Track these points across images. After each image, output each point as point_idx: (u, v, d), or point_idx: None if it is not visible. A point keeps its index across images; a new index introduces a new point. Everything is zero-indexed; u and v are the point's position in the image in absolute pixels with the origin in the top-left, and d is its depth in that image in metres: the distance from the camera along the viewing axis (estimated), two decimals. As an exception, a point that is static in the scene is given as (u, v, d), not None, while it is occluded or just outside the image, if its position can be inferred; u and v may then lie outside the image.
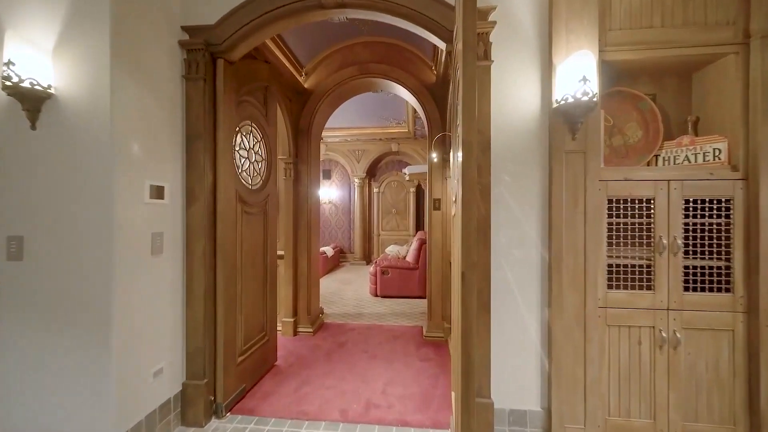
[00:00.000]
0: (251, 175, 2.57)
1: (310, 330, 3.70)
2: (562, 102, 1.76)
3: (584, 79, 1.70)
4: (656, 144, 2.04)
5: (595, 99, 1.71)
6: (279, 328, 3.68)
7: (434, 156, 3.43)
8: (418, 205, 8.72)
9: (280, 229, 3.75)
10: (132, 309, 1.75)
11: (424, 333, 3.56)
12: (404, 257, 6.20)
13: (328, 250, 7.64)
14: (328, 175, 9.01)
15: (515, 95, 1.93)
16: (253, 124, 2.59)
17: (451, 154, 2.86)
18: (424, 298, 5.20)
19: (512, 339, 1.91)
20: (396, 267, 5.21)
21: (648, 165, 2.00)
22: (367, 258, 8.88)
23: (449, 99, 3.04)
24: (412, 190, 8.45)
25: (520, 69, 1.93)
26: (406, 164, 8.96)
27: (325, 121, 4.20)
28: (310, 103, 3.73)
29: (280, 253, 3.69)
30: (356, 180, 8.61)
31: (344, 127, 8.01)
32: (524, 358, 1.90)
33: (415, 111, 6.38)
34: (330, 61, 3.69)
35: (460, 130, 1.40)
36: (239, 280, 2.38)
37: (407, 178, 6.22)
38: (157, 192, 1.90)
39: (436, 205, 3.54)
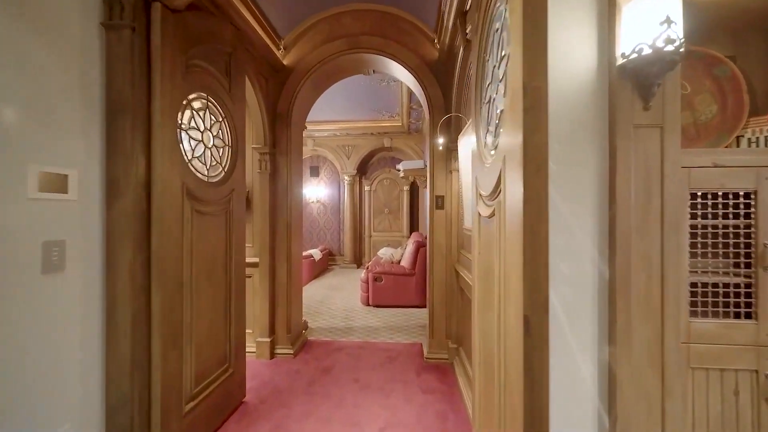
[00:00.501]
0: (208, 165, 2.00)
1: (291, 351, 3.13)
2: (633, 56, 1.24)
3: (668, 21, 1.18)
4: (739, 120, 1.55)
5: (681, 50, 1.20)
6: (252, 350, 3.11)
7: (440, 142, 2.89)
8: (413, 204, 8.20)
9: (254, 232, 3.18)
10: (8, 353, 1.17)
11: (425, 354, 3.03)
12: (398, 261, 5.67)
13: (316, 253, 7.06)
14: (315, 173, 8.43)
15: (561, 49, 1.41)
16: (212, 99, 2.02)
17: (464, 139, 2.34)
18: (422, 307, 4.68)
19: (559, 386, 1.39)
20: (390, 273, 4.67)
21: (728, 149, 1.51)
22: (358, 261, 8.33)
23: (469, 63, 2.51)
24: (406, 188, 7.93)
25: (566, 12, 1.41)
26: (400, 161, 8.43)
27: (308, 106, 3.63)
28: (290, 83, 3.16)
29: (252, 260, 3.12)
30: (346, 177, 8.05)
31: (333, 120, 7.44)
32: (575, 413, 1.38)
33: (410, 102, 5.86)
34: (313, 33, 3.13)
35: (511, 77, 0.87)
36: (188, 301, 1.81)
37: (401, 174, 5.70)
38: (56, 183, 1.32)
39: (439, 203, 3.01)
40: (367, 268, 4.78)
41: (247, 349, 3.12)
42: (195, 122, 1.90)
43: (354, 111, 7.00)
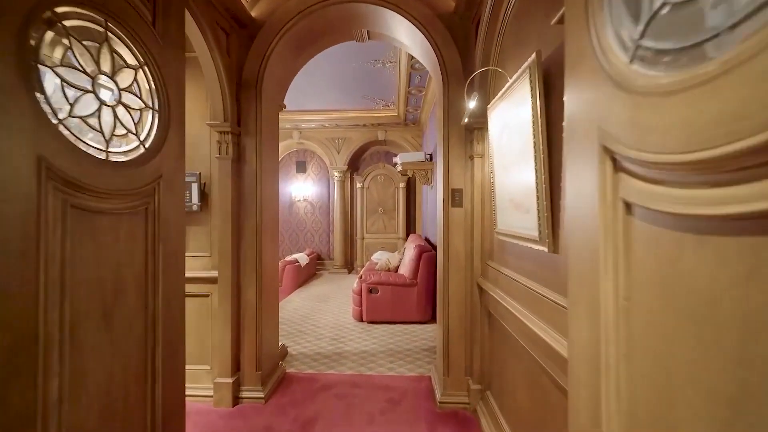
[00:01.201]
0: (108, 133, 1.25)
1: (261, 395, 2.38)
2: None
3: None
4: None
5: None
6: (209, 394, 2.35)
7: (471, 106, 2.12)
8: (409, 203, 7.50)
9: (212, 237, 2.42)
10: None
11: (439, 397, 2.32)
12: (396, 267, 4.96)
13: (302, 258, 6.29)
14: (302, 168, 7.66)
15: None
16: (115, 28, 1.27)
17: (502, 106, 1.58)
18: (426, 323, 3.97)
19: None
20: (387, 283, 3.95)
21: None
22: (349, 266, 7.58)
23: None
24: (402, 185, 7.22)
25: None
26: (395, 156, 7.72)
27: (287, 76, 2.88)
28: (259, 42, 2.41)
29: (210, 274, 2.36)
30: (336, 173, 7.30)
31: (321, 109, 6.69)
32: None
33: (408, 87, 5.15)
34: (291, -24, 2.39)
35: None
36: (54, 366, 1.05)
37: (399, 168, 5.00)
38: None
39: (456, 199, 2.30)
40: (360, 277, 4.05)
41: (202, 393, 2.36)
42: (71, 58, 1.14)
43: (344, 99, 6.27)
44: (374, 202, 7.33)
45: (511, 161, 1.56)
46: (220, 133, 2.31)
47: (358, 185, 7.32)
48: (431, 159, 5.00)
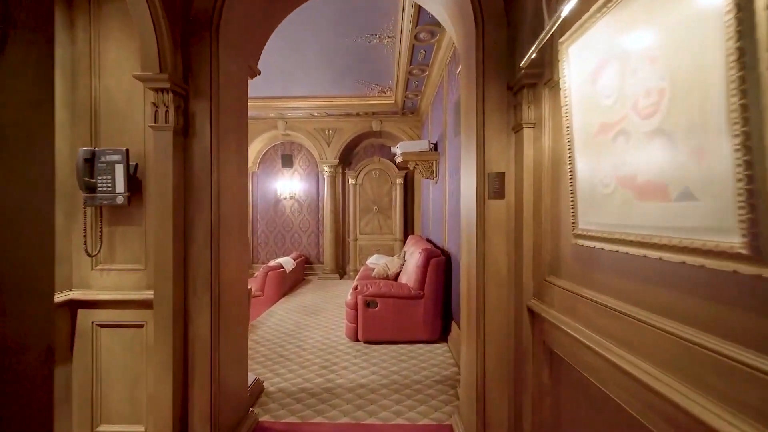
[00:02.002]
0: None
1: (217, 468, 1.68)
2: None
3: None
4: None
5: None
6: (142, 471, 1.63)
7: (528, 57, 1.44)
8: (407, 200, 6.83)
9: (147, 242, 1.71)
10: None
11: (472, 467, 1.65)
12: (396, 275, 4.28)
13: (287, 263, 5.56)
14: (288, 162, 6.92)
15: None
16: None
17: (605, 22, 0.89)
18: (435, 342, 3.31)
19: None
20: (389, 295, 3.27)
21: None
22: (341, 270, 6.88)
23: None
24: (399, 181, 6.55)
25: None
26: (389, 150, 7.05)
27: (261, 23, 2.18)
28: (216, -35, 1.70)
29: (142, 296, 1.65)
30: (326, 168, 6.59)
31: (309, 96, 5.98)
32: None
33: (409, 66, 4.47)
34: None
35: None
36: None
37: (399, 158, 4.32)
38: None
39: (496, 187, 1.63)
40: (356, 288, 3.36)
41: (131, 470, 1.64)
42: None
43: (335, 83, 5.57)
44: (368, 200, 6.64)
45: (634, 118, 0.89)
46: (156, 91, 1.59)
47: (351, 181, 6.63)
48: (436, 148, 4.35)
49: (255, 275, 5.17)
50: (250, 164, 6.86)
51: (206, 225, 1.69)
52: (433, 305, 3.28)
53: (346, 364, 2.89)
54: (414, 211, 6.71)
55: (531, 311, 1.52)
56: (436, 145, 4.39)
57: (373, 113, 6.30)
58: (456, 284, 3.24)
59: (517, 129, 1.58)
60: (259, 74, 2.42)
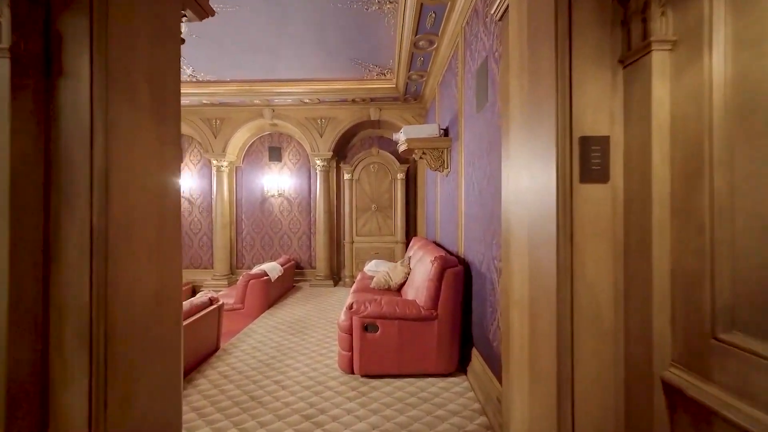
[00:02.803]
0: None
1: None
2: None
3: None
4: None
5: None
6: None
7: None
8: (409, 197, 6.12)
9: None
10: None
11: None
12: (399, 285, 3.58)
13: (273, 269, 4.84)
14: (276, 156, 6.19)
15: None
16: None
17: None
18: (450, 375, 2.60)
19: None
20: (393, 317, 2.56)
21: None
22: (335, 276, 6.16)
23: None
24: (400, 176, 5.84)
25: None
26: (389, 142, 6.34)
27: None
28: None
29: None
30: (318, 162, 5.87)
31: (298, 79, 5.26)
32: None
33: (414, 39, 3.76)
34: None
35: None
36: None
37: (402, 146, 3.60)
38: None
39: (598, 163, 0.92)
40: (350, 307, 2.63)
41: None
42: None
43: (328, 64, 4.85)
44: (366, 198, 5.92)
45: None
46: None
47: (346, 176, 5.91)
48: (447, 134, 3.64)
49: (236, 283, 4.45)
50: (234, 157, 6.14)
51: (81, 232, 0.97)
52: (449, 328, 2.57)
53: (337, 411, 2.18)
54: (417, 209, 6.00)
55: (671, 389, 0.82)
56: (446, 130, 3.68)
57: (372, 99, 5.59)
58: (477, 302, 2.54)
59: (631, 59, 0.88)
60: (212, 15, 1.70)
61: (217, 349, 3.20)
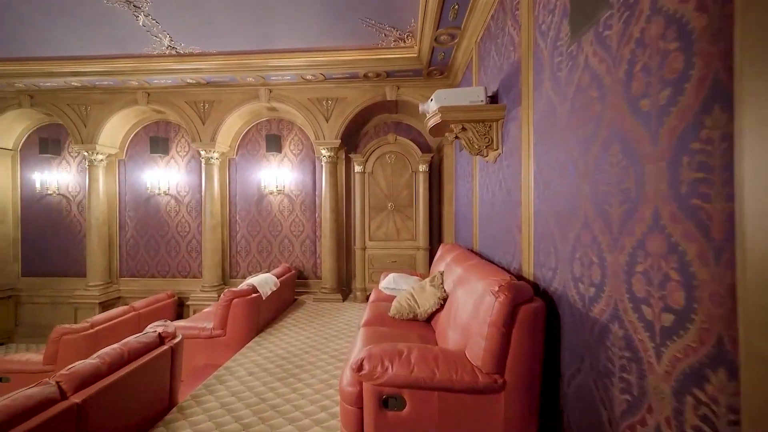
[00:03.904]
0: None
1: None
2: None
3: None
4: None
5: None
6: None
7: None
8: (432, 193, 5.09)
9: None
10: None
11: None
12: (430, 314, 2.55)
13: (265, 282, 3.88)
14: (275, 145, 5.25)
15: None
16: None
17: None
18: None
19: None
20: (428, 386, 1.54)
21: None
22: (345, 288, 5.19)
23: None
24: (423, 167, 4.81)
25: None
26: (408, 128, 5.33)
27: None
28: None
29: None
30: (324, 153, 4.90)
31: (298, 49, 4.30)
32: None
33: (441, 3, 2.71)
34: None
35: None
36: None
37: (432, 120, 2.53)
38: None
39: None
40: (360, 368, 1.62)
41: None
42: None
43: (335, 27, 3.87)
44: (381, 195, 4.92)
45: None
46: None
47: (357, 169, 4.92)
48: (495, 101, 2.60)
49: (217, 302, 3.51)
50: (226, 148, 5.23)
51: None
52: (525, 403, 1.54)
53: None
54: (443, 208, 4.95)
55: None
56: (495, 96, 2.64)
57: (388, 75, 4.58)
58: (569, 356, 1.50)
59: None
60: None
61: (170, 407, 2.25)
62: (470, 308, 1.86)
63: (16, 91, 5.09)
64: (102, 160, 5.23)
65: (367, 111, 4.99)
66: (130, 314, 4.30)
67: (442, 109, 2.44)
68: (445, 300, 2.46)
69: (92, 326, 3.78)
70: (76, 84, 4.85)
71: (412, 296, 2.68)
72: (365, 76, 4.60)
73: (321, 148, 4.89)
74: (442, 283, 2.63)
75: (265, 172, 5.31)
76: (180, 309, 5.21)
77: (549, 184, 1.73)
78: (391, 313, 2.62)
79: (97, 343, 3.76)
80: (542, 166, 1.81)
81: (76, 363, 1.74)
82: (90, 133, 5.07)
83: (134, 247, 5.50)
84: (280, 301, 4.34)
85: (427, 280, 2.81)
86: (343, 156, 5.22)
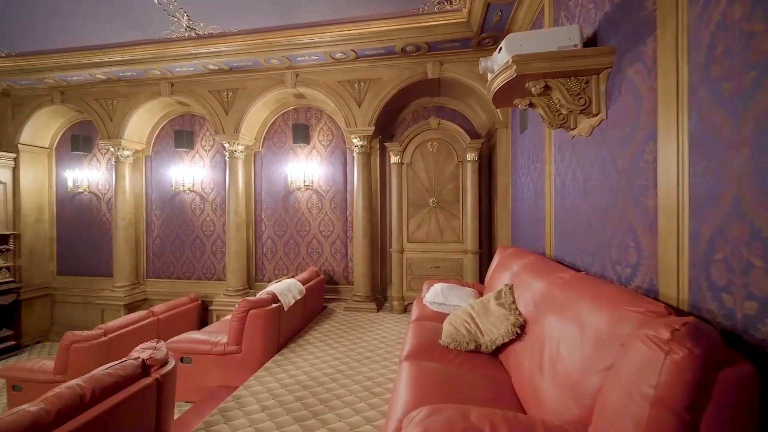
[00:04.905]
0: None
1: None
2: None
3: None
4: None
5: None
6: None
7: None
8: (482, 185, 4.34)
9: None
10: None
11: None
12: (500, 344, 1.84)
13: (288, 290, 3.35)
14: (303, 136, 4.75)
15: None
16: None
17: None
18: None
19: None
20: None
21: None
22: (379, 296, 4.57)
23: None
24: (472, 156, 4.07)
25: None
26: (452, 112, 4.62)
27: None
28: None
29: None
30: (356, 142, 4.31)
31: (325, 21, 3.74)
32: None
33: None
34: None
35: None
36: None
37: (505, 72, 1.84)
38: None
39: None
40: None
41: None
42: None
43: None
44: (422, 189, 4.25)
45: None
46: None
47: (394, 160, 4.28)
48: (593, 43, 1.85)
49: (233, 313, 3.02)
50: (251, 141, 4.82)
51: None
52: None
53: None
54: (496, 204, 4.18)
55: None
56: (594, 36, 1.88)
57: (429, 48, 3.90)
58: None
59: None
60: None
61: (156, 457, 1.73)
62: (588, 353, 1.15)
63: (47, 87, 5.01)
64: (128, 156, 5.02)
65: (404, 94, 4.35)
66: (149, 320, 3.96)
67: (518, 59, 1.73)
68: (522, 328, 1.75)
69: (105, 333, 3.44)
70: (101, 77, 4.65)
71: (472, 318, 1.99)
72: (403, 50, 3.96)
73: (353, 136, 4.31)
74: (514, 302, 1.91)
75: (291, 166, 4.84)
76: (204, 313, 4.86)
77: (706, 166, 0.97)
78: (444, 341, 1.94)
79: (111, 351, 3.42)
80: (707, 130, 1.06)
81: (5, 414, 1.24)
82: (116, 127, 4.87)
83: (160, 246, 5.25)
84: (306, 310, 3.81)
85: (490, 296, 2.10)
86: (378, 146, 4.62)
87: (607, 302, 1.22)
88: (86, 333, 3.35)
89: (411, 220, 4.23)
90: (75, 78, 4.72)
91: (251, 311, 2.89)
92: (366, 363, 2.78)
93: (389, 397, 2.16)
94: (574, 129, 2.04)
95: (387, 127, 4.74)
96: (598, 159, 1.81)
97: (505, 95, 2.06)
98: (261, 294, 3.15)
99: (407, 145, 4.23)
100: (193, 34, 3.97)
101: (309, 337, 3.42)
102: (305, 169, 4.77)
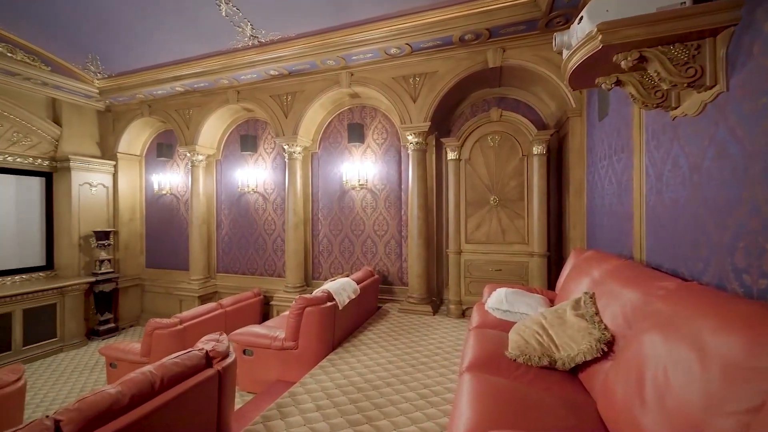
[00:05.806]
0: None
1: None
2: None
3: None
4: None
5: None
6: None
7: None
8: (550, 180, 3.94)
9: None
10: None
11: None
12: (580, 362, 1.58)
13: (344, 289, 3.33)
14: (358, 135, 4.75)
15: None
16: None
17: None
18: None
19: None
20: None
21: None
22: (435, 299, 4.38)
23: None
24: (539, 150, 3.70)
25: None
26: (516, 104, 4.28)
27: None
28: None
29: None
30: (411, 139, 4.19)
31: (378, 17, 3.68)
32: None
33: None
34: None
35: None
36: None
37: (587, 45, 1.58)
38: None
39: None
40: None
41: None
42: None
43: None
44: (481, 186, 3.98)
45: None
46: None
47: (451, 156, 4.07)
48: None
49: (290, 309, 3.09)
50: (308, 142, 4.95)
51: None
52: None
53: None
54: (567, 202, 3.76)
55: None
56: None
57: (490, 34, 3.63)
58: None
59: None
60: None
61: (217, 447, 1.78)
62: (714, 388, 0.89)
63: (138, 102, 5.67)
64: (202, 160, 5.47)
65: (461, 87, 4.12)
66: (218, 311, 4.25)
67: (605, 27, 1.46)
68: (609, 345, 1.47)
69: (181, 322, 3.74)
70: (180, 89, 5.13)
71: (544, 329, 1.74)
72: (461, 40, 3.74)
73: (407, 133, 4.19)
74: (597, 313, 1.63)
75: (347, 165, 4.87)
76: (267, 308, 5.11)
77: None
78: (512, 353, 1.72)
79: (185, 338, 3.72)
80: None
81: (89, 394, 1.33)
82: (191, 134, 5.33)
83: (228, 244, 5.64)
84: (361, 310, 3.77)
85: (566, 305, 1.83)
86: (433, 143, 4.44)
87: (741, 322, 0.94)
88: (165, 321, 3.67)
89: (469, 219, 3.98)
90: (159, 92, 5.27)
91: (307, 308, 2.92)
92: (422, 369, 2.63)
93: (450, 411, 2.00)
94: (676, 108, 1.69)
95: (443, 123, 4.54)
96: (713, 142, 1.46)
97: (585, 74, 1.78)
98: (317, 292, 3.17)
99: (465, 140, 3.99)
100: (256, 42, 4.19)
101: (363, 337, 3.37)
102: (360, 169, 4.77)
